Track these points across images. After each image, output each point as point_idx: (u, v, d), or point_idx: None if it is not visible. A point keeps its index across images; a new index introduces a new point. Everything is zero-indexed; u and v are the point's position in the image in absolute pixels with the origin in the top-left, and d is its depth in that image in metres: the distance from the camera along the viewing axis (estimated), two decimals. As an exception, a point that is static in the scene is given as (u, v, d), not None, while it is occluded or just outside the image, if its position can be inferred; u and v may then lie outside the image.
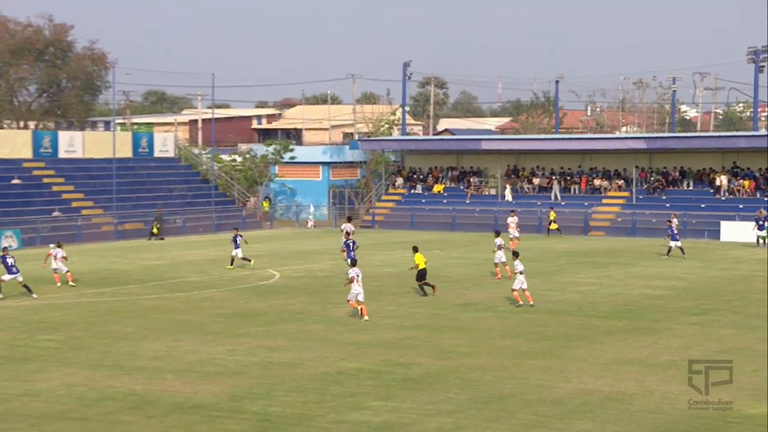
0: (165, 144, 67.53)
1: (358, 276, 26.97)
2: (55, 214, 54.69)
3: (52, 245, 36.16)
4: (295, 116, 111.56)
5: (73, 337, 24.60)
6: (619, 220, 57.67)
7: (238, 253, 39.08)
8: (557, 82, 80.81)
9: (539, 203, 59.80)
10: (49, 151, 60.03)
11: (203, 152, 73.92)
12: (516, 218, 48.54)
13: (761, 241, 47.01)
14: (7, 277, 31.43)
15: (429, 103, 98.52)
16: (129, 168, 62.13)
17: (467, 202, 63.18)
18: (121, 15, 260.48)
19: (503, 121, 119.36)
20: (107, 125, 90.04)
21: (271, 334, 24.83)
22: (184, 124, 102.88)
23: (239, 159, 71.61)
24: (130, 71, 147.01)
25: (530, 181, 63.21)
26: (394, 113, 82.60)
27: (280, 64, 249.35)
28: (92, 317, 27.60)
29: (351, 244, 38.20)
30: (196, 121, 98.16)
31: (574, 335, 24.71)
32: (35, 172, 58.08)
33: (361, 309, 26.83)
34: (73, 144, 61.64)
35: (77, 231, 53.31)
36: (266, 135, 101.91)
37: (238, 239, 39.31)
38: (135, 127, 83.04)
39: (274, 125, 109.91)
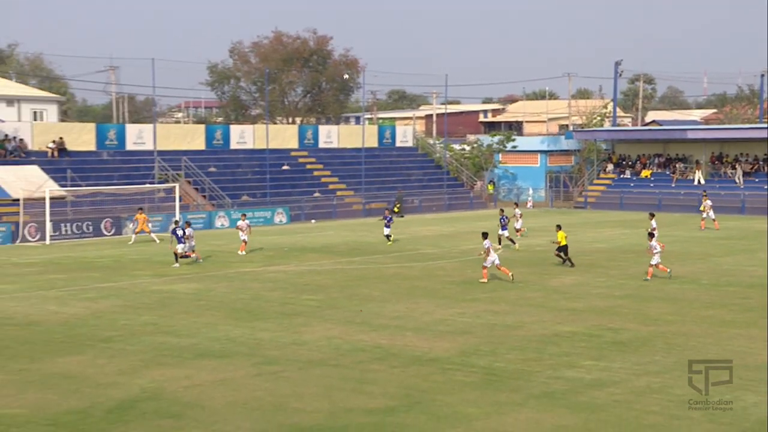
0: (405, 135, 68.80)
1: (491, 246, 28.18)
2: (316, 194, 57.00)
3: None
4: (516, 110, 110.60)
5: (331, 297, 25.49)
6: (825, 202, 53.32)
7: (387, 231, 39.14)
8: (762, 75, 75.45)
9: (742, 186, 56.29)
10: (311, 142, 62.55)
11: (437, 142, 74.60)
12: (709, 201, 45.99)
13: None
14: (179, 246, 31.96)
15: (638, 97, 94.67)
16: (375, 156, 63.72)
17: (672, 185, 60.43)
18: (371, 26, 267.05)
19: (708, 112, 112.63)
20: (357, 120, 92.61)
21: (495, 300, 24.76)
22: (421, 118, 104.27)
23: (468, 148, 71.87)
24: (377, 74, 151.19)
25: (733, 167, 59.64)
26: (605, 107, 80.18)
27: (504, 64, 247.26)
28: (345, 281, 28.50)
29: (502, 220, 37.94)
30: (431, 115, 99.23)
31: (775, 308, 23.12)
32: (300, 160, 60.69)
33: (484, 271, 27.70)
34: (330, 136, 63.93)
35: (333, 209, 55.44)
36: (491, 127, 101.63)
37: (388, 219, 39.61)
38: (380, 121, 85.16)
39: (499, 118, 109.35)
